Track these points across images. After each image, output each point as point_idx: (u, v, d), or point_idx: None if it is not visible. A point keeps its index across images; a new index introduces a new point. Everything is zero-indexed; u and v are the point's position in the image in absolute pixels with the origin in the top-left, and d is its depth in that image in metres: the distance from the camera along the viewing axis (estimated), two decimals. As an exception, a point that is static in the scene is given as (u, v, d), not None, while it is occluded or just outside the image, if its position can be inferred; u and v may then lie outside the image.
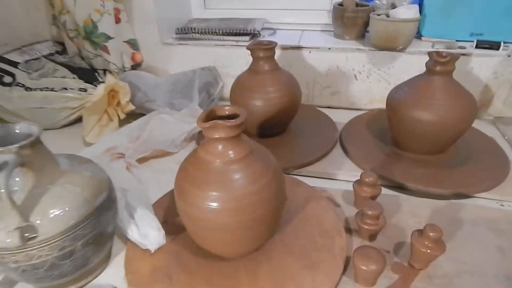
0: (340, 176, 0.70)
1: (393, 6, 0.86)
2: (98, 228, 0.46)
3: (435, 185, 0.64)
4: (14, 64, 0.89)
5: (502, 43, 0.83)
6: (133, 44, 1.00)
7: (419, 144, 0.70)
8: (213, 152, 0.44)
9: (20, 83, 0.86)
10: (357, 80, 0.94)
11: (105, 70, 1.00)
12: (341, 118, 0.88)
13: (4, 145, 0.40)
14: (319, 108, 0.94)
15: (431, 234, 0.46)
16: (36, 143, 0.42)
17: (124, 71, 1.00)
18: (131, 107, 0.86)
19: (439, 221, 0.52)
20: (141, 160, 0.74)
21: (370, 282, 0.47)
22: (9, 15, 1.04)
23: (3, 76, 0.87)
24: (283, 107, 0.74)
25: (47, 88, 0.86)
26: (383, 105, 0.74)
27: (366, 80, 0.94)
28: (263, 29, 1.03)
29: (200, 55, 1.01)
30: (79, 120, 0.87)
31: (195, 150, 0.48)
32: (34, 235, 0.41)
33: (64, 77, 0.89)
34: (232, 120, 0.41)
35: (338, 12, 0.93)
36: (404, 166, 0.69)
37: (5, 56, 0.91)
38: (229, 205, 0.43)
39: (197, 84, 0.90)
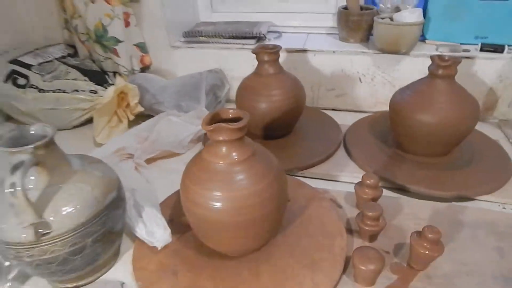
0: (343, 177, 0.71)
1: (397, 10, 0.87)
2: (108, 226, 0.48)
3: (437, 187, 0.65)
4: (28, 67, 0.92)
5: (506, 46, 0.83)
6: (142, 47, 1.02)
7: (422, 147, 0.71)
8: (217, 154, 0.46)
9: (34, 85, 0.89)
10: (361, 82, 0.95)
11: (115, 73, 1.02)
12: (345, 120, 0.89)
13: (20, 145, 0.42)
14: (323, 110, 0.95)
15: (429, 235, 0.47)
16: (50, 144, 0.44)
17: (133, 73, 1.02)
18: (140, 108, 0.89)
19: (440, 223, 0.52)
20: (149, 161, 0.76)
21: (369, 282, 0.48)
22: (23, 20, 1.08)
23: (18, 78, 0.89)
24: (288, 110, 0.75)
25: (60, 90, 0.88)
26: (388, 108, 0.75)
27: (370, 82, 0.94)
28: (269, 32, 1.05)
29: (207, 58, 1.03)
30: (90, 121, 0.90)
31: (200, 151, 0.49)
32: (48, 231, 0.43)
33: (75, 79, 0.91)
34: (234, 123, 0.43)
35: (343, 16, 0.94)
36: (407, 168, 0.70)
37: (19, 58, 0.94)
38: (232, 205, 0.44)
39: (204, 86, 0.92)
